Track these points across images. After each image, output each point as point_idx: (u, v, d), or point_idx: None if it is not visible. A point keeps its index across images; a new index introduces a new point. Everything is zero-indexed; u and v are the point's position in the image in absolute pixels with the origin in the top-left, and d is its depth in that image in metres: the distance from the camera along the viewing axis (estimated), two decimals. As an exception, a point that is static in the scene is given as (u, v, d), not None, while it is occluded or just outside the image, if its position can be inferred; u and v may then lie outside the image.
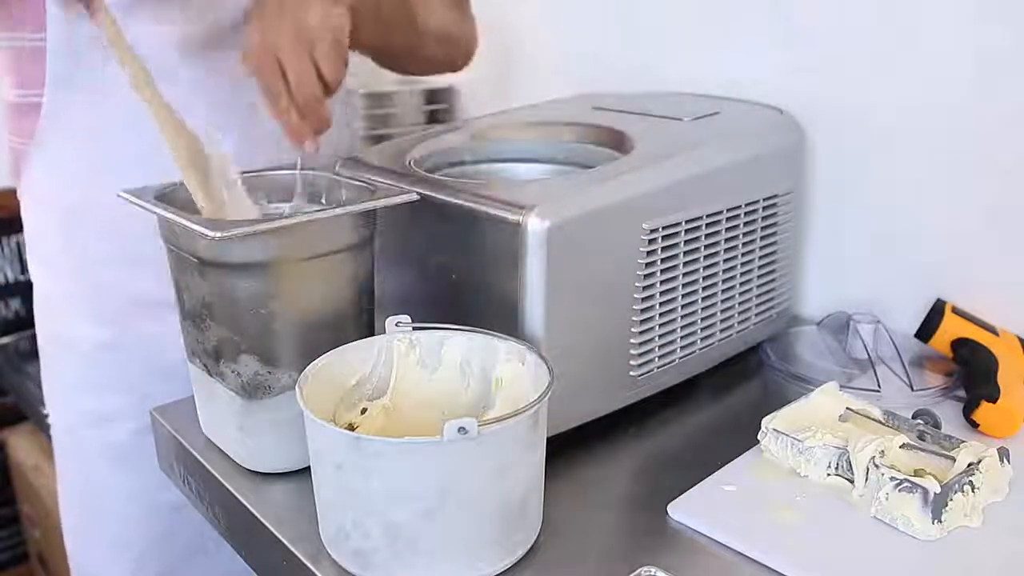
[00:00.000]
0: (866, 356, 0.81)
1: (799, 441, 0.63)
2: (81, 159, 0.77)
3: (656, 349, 0.73)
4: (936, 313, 0.80)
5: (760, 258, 0.81)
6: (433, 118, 1.43)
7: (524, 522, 0.56)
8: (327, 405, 0.59)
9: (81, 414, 0.84)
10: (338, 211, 0.62)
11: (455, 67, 0.95)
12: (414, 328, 0.63)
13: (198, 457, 0.70)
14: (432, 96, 1.44)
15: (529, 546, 0.57)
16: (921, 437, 0.64)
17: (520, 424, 0.52)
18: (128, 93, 0.65)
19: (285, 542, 0.59)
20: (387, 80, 1.46)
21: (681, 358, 0.75)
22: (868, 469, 0.60)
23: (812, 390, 0.70)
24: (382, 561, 0.53)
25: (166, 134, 0.62)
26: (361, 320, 0.66)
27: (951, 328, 0.79)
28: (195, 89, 0.76)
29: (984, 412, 0.70)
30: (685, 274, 0.73)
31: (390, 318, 0.63)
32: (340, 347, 0.61)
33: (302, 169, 0.73)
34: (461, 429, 0.48)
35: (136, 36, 0.64)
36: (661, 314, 0.72)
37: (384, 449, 0.50)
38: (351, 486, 0.52)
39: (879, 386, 0.77)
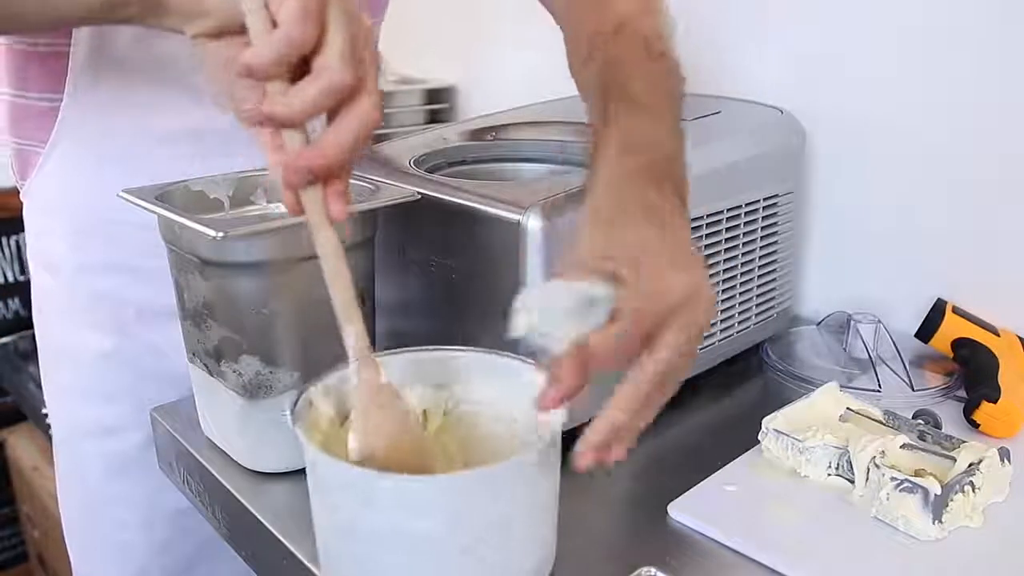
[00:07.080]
0: (866, 356, 0.81)
1: (799, 441, 0.63)
2: (101, 164, 0.77)
3: (656, 349, 0.72)
4: (936, 313, 0.80)
5: (760, 258, 0.81)
6: (433, 118, 1.43)
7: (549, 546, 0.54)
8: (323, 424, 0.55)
9: (82, 423, 0.83)
10: (338, 211, 0.62)
11: None
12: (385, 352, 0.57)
13: (198, 457, 0.70)
14: (432, 96, 1.44)
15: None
16: (922, 437, 0.64)
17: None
18: (146, 100, 0.72)
19: (285, 542, 0.59)
20: (387, 80, 1.46)
21: (681, 358, 0.75)
22: (868, 469, 0.60)
23: (812, 390, 0.70)
24: None
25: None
26: (361, 320, 0.66)
27: (951, 328, 0.79)
28: None
29: (985, 412, 0.70)
30: (685, 274, 0.73)
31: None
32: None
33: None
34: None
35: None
36: (661, 314, 0.72)
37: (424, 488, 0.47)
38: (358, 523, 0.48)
39: (879, 386, 0.77)
